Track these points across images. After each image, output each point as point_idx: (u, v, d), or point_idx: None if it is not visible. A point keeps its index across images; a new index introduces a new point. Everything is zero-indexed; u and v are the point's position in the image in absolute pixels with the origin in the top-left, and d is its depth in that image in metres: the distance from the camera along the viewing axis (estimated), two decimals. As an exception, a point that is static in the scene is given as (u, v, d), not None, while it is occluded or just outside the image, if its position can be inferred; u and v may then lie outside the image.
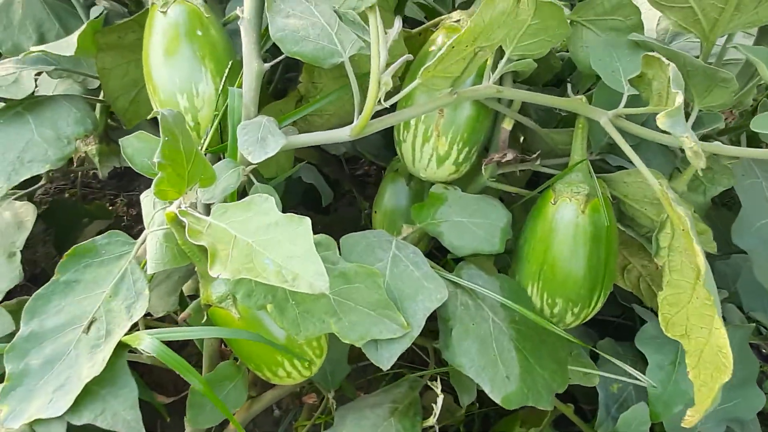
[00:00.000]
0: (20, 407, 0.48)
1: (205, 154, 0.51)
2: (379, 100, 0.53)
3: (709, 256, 0.80)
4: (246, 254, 0.39)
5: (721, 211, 0.89)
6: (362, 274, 0.51)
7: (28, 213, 0.72)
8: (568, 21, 0.65)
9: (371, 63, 0.51)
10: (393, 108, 0.56)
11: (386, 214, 0.79)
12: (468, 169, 0.68)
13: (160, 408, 0.82)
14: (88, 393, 0.48)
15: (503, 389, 0.59)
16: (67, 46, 0.59)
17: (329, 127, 0.65)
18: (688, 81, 0.57)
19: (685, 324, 0.54)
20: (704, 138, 0.64)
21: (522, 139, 0.75)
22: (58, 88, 0.68)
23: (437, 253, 0.82)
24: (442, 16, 0.69)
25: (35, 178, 0.68)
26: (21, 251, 0.72)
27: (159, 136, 0.42)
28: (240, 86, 0.52)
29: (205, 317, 0.57)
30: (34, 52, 0.61)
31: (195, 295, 0.68)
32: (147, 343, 0.46)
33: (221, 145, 0.54)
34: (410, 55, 0.55)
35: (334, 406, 0.80)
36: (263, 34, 0.55)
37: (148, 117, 0.63)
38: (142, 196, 0.55)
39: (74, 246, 0.54)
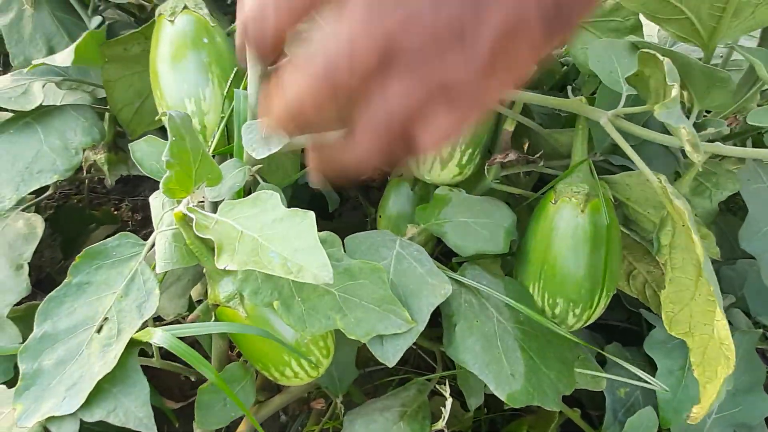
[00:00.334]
0: (34, 406, 0.48)
1: (213, 156, 0.52)
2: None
3: (715, 262, 0.81)
4: (252, 248, 0.40)
5: (726, 217, 0.89)
6: (367, 270, 0.51)
7: (36, 224, 0.72)
8: None
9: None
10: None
11: (391, 219, 0.79)
12: (472, 171, 0.68)
13: (168, 412, 0.83)
14: (100, 391, 0.49)
15: (508, 387, 0.59)
16: (65, 57, 0.60)
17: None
18: (686, 81, 0.58)
19: (688, 321, 0.54)
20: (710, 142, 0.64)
21: (527, 143, 0.76)
22: (67, 98, 0.70)
23: (443, 258, 0.83)
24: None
25: (43, 188, 0.69)
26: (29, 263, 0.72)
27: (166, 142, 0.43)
28: (245, 90, 0.53)
29: (213, 318, 0.58)
30: (37, 64, 0.62)
31: (203, 300, 0.69)
32: (159, 337, 0.46)
33: (227, 147, 0.55)
34: None
35: (342, 411, 0.80)
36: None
37: (156, 118, 0.64)
38: (151, 198, 0.56)
39: (86, 248, 0.54)
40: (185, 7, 0.58)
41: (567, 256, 0.63)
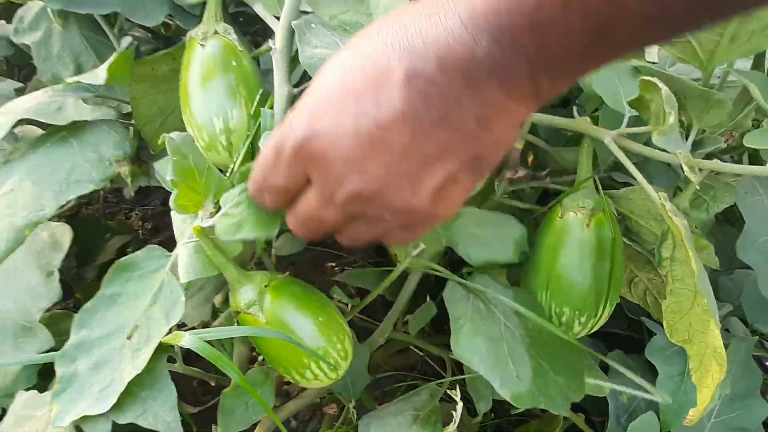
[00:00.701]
0: (68, 407, 0.51)
1: (238, 170, 0.55)
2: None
3: (714, 271, 0.83)
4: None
5: (725, 228, 0.92)
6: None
7: (64, 233, 0.75)
8: None
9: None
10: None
11: None
12: (481, 186, 0.70)
13: (187, 416, 0.85)
14: (130, 395, 0.52)
15: (513, 387, 0.61)
16: (98, 75, 0.63)
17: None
18: (685, 103, 0.61)
19: (687, 330, 0.57)
20: (708, 157, 0.67)
21: (534, 158, 0.79)
22: (93, 113, 0.73)
23: (451, 269, 0.86)
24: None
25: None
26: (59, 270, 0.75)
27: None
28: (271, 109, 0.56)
29: (236, 324, 0.61)
30: (70, 83, 0.65)
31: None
32: (187, 340, 0.49)
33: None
34: None
35: (355, 416, 0.83)
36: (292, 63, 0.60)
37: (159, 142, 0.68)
38: (173, 213, 0.59)
39: (116, 262, 0.58)
40: (215, 32, 0.62)
41: (573, 267, 0.66)
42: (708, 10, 0.31)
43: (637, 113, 0.62)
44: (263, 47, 0.65)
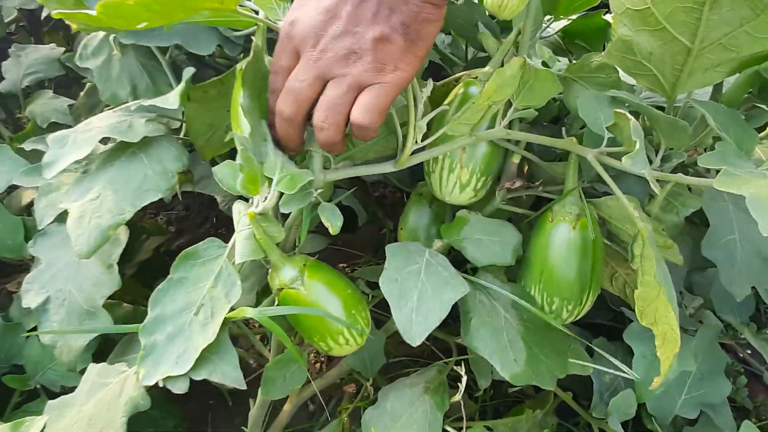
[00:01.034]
0: (153, 370, 0.62)
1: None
2: (415, 141, 0.69)
3: (690, 269, 0.94)
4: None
5: (700, 229, 1.03)
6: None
7: (122, 231, 0.84)
8: (564, 77, 0.80)
9: (409, 114, 0.67)
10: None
11: (410, 231, 0.91)
12: (484, 194, 0.80)
13: (224, 391, 0.97)
14: (202, 358, 0.62)
15: (511, 369, 0.72)
16: (170, 101, 0.74)
17: (364, 158, 0.78)
18: (656, 127, 0.72)
19: (654, 314, 0.67)
20: (676, 169, 0.78)
21: (528, 169, 0.91)
22: (155, 130, 0.84)
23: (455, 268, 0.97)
24: (462, 73, 0.84)
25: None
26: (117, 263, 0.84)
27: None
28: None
29: (277, 303, 0.71)
30: (145, 105, 0.76)
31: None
32: (251, 312, 0.61)
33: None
34: (446, 106, 0.70)
35: (372, 392, 0.94)
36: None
37: (225, 140, 0.80)
38: (234, 206, 0.70)
39: (183, 251, 0.69)
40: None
41: (562, 263, 0.75)
42: None
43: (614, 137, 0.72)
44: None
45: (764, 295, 0.91)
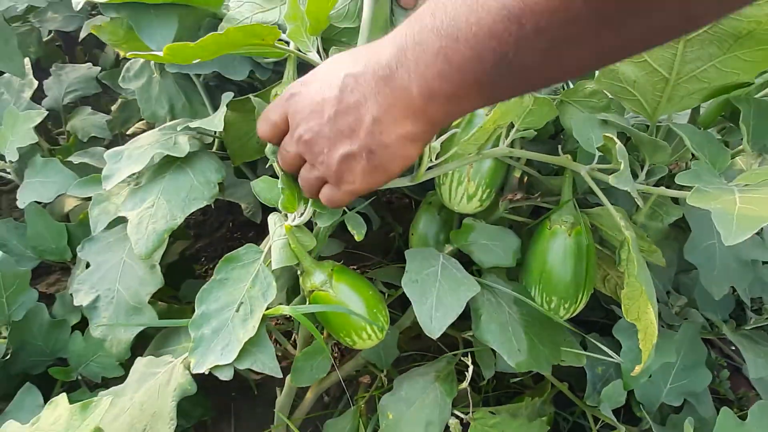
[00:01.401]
0: (201, 359, 0.71)
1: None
2: (430, 159, 0.78)
3: (677, 272, 1.02)
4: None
5: (687, 234, 1.11)
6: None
7: None
8: (560, 101, 0.90)
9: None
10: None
11: (421, 236, 1.01)
12: (489, 204, 0.89)
13: (251, 381, 1.06)
14: (244, 350, 0.71)
15: (516, 358, 0.81)
16: (215, 123, 0.82)
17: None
18: (640, 146, 0.81)
19: (638, 311, 0.75)
20: (660, 181, 0.87)
21: (527, 182, 0.99)
22: (196, 145, 0.93)
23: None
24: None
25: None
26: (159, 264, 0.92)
27: (257, 173, 0.68)
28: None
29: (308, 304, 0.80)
30: (191, 126, 0.84)
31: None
32: (287, 310, 0.71)
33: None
34: (456, 129, 0.79)
35: (386, 382, 1.03)
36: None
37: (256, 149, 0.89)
38: (269, 218, 0.79)
39: (225, 255, 0.78)
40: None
41: (559, 266, 0.83)
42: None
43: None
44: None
45: (743, 295, 1.00)
